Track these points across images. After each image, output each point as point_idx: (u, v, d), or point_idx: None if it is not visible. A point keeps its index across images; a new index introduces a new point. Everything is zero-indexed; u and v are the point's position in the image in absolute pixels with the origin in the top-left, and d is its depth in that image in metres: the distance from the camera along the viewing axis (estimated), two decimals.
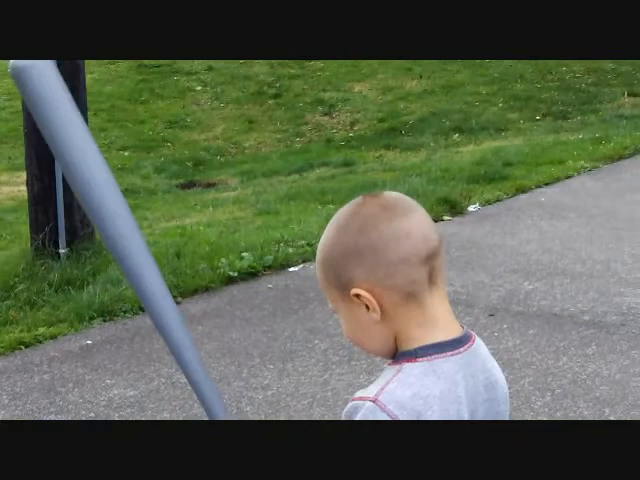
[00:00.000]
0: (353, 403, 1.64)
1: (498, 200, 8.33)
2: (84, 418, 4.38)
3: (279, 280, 6.40)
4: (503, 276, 6.21)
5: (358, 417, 1.63)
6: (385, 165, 10.75)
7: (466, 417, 1.67)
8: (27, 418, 4.42)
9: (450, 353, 1.66)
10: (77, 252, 6.58)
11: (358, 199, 1.70)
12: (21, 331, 5.44)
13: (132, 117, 12.60)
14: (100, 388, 4.73)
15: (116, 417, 4.38)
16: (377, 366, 4.80)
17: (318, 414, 4.33)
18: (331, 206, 8.32)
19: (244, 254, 6.61)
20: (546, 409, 4.28)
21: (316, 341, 5.24)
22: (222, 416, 1.75)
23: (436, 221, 7.55)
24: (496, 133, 12.28)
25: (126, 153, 11.63)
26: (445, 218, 7.74)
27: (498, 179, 8.91)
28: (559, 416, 4.20)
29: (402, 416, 1.61)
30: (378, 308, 1.63)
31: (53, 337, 5.42)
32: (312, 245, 6.91)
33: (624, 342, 5.00)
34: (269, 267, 6.57)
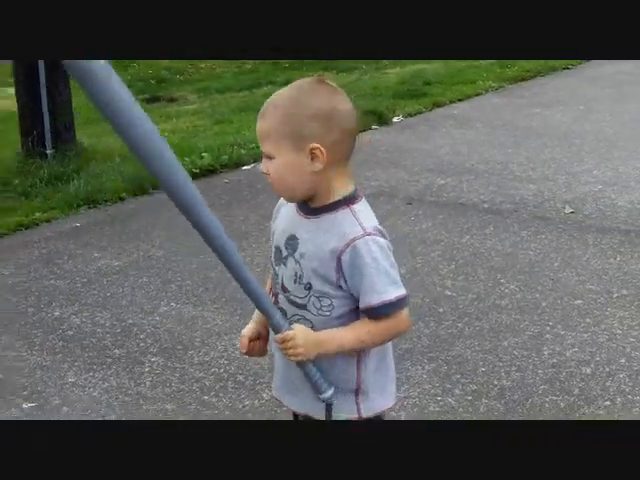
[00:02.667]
0: (350, 248, 1.90)
1: (418, 113, 8.57)
2: (78, 285, 4.72)
3: (234, 176, 6.71)
4: (420, 173, 6.56)
5: (364, 255, 1.89)
6: None
7: None
8: (31, 283, 4.78)
9: (362, 194, 2.02)
10: (62, 153, 6.80)
11: (318, 77, 1.97)
12: (19, 216, 5.72)
13: None
14: (90, 260, 5.06)
15: (104, 282, 4.74)
16: None
17: None
18: None
19: (203, 154, 6.89)
20: (451, 274, 4.66)
21: (266, 224, 5.53)
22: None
23: (364, 130, 7.87)
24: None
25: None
26: (373, 127, 8.02)
27: (419, 96, 9.13)
28: (460, 280, 4.62)
29: (383, 234, 1.95)
30: (325, 161, 1.91)
31: (47, 221, 5.70)
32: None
33: (516, 224, 5.36)
34: (225, 165, 6.86)
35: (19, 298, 4.59)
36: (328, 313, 1.98)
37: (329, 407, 2.02)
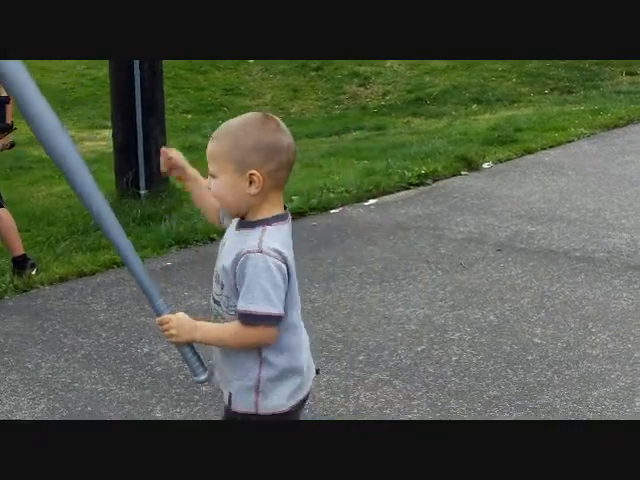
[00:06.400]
0: (244, 257, 2.17)
1: (508, 159, 8.54)
2: None
3: (322, 219, 6.78)
4: (510, 220, 6.52)
5: (250, 266, 2.15)
6: (412, 129, 11.01)
7: (292, 260, 2.23)
8: (122, 320, 4.90)
9: (286, 221, 2.27)
10: (155, 193, 7.00)
11: (265, 114, 2.26)
12: (112, 254, 5.88)
13: (194, 85, 12.93)
14: (180, 298, 5.16)
15: None
16: (403, 287, 5.21)
17: (355, 321, 4.76)
18: (365, 161, 8.65)
19: (293, 197, 6.99)
20: (540, 322, 4.62)
21: (353, 267, 5.63)
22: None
23: (454, 175, 7.89)
24: (509, 104, 12.46)
25: (189, 116, 12.01)
26: (462, 173, 8.01)
27: (509, 142, 9.09)
28: (550, 328, 4.57)
29: (280, 257, 2.18)
30: (260, 187, 2.19)
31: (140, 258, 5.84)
32: (350, 192, 7.28)
33: (608, 273, 5.28)
34: (314, 209, 6.94)
35: (110, 334, 4.70)
36: (233, 313, 2.23)
37: (230, 397, 2.29)
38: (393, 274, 5.43)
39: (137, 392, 4.02)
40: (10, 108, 5.47)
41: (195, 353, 2.38)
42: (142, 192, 6.99)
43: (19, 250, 5.61)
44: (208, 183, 2.28)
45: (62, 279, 5.56)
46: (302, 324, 2.37)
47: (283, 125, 2.26)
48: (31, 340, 4.66)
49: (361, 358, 4.30)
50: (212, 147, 2.24)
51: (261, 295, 2.16)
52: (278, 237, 2.22)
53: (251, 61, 14.16)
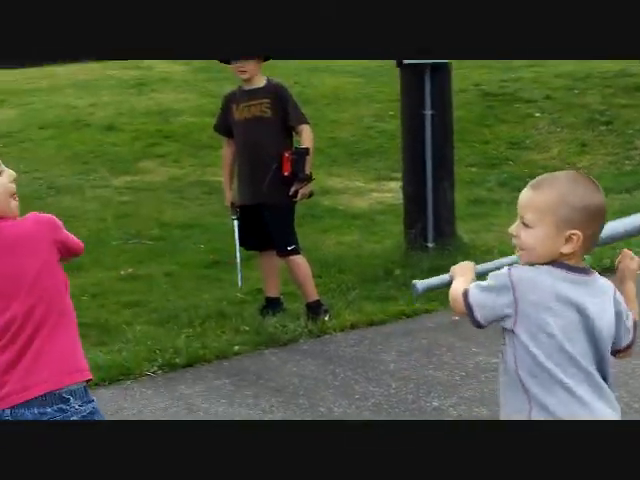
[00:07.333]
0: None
1: None
2: (457, 377, 4.83)
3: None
4: None
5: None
6: None
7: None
8: (411, 371, 4.95)
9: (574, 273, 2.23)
10: (442, 246, 7.04)
11: (584, 174, 2.28)
12: (401, 305, 5.99)
13: (479, 138, 12.95)
14: (468, 354, 5.15)
15: (482, 377, 4.79)
16: None
17: None
18: None
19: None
20: None
21: None
22: None
23: None
24: None
25: (473, 169, 12.01)
26: None
27: None
28: None
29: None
30: (575, 248, 2.18)
31: (427, 312, 5.90)
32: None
33: None
34: (607, 269, 6.70)
35: (399, 384, 4.77)
36: None
37: None
38: None
39: None
40: (309, 159, 5.74)
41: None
42: (430, 245, 7.07)
43: (313, 296, 5.85)
44: (515, 230, 2.26)
45: (353, 326, 5.74)
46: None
47: (600, 189, 2.26)
48: (324, 384, 4.83)
49: None
50: (534, 196, 2.23)
51: None
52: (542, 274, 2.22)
53: (537, 114, 14.02)
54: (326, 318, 5.77)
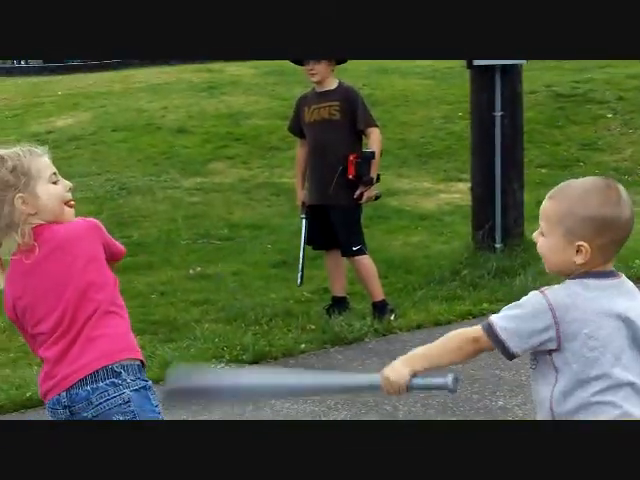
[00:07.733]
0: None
1: None
2: (523, 377, 4.75)
3: None
4: None
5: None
6: None
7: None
8: (478, 371, 4.92)
9: (603, 278, 2.16)
10: (510, 247, 7.01)
11: (608, 182, 2.15)
12: (467, 305, 5.98)
13: (549, 139, 12.81)
14: None
15: None
16: None
17: None
18: None
19: (636, 261, 6.65)
20: None
21: None
22: None
23: None
24: None
25: (543, 170, 11.88)
26: None
27: None
28: None
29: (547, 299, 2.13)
30: (587, 259, 2.12)
31: (494, 312, 5.86)
32: None
33: None
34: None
35: (465, 383, 4.75)
36: None
37: None
38: None
39: None
40: (375, 163, 5.77)
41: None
42: (497, 245, 7.03)
43: (379, 295, 5.88)
44: (535, 236, 2.24)
45: (419, 326, 5.75)
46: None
47: (625, 196, 2.14)
48: None
49: None
50: (547, 205, 2.19)
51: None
52: (574, 290, 2.15)
53: (609, 115, 13.82)
54: (392, 318, 5.79)
